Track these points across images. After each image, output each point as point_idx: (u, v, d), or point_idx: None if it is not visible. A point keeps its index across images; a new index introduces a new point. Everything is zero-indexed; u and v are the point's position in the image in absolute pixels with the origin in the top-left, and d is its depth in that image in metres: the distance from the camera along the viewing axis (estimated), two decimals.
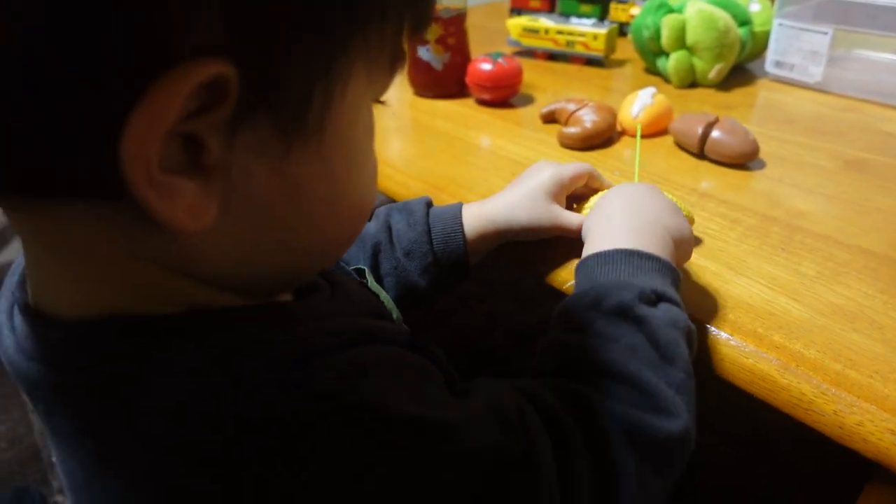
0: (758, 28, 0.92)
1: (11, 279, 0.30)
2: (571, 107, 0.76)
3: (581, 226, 0.52)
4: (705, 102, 0.86)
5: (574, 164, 0.57)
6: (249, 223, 0.27)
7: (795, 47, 0.88)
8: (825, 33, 0.84)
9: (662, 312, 0.39)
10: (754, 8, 0.93)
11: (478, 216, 0.54)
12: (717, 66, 0.88)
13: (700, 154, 0.69)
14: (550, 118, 0.80)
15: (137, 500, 0.25)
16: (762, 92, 0.91)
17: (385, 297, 0.47)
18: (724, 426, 1.09)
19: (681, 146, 0.72)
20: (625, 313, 0.38)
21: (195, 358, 0.25)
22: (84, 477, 0.26)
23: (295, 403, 0.25)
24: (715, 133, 0.68)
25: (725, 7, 0.87)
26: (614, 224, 0.45)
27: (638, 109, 0.74)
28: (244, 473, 0.24)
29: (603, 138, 0.74)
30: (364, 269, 0.48)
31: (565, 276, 0.53)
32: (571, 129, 0.73)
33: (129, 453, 0.25)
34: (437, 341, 0.36)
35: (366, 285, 0.45)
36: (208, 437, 0.24)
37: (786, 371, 0.42)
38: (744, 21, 0.90)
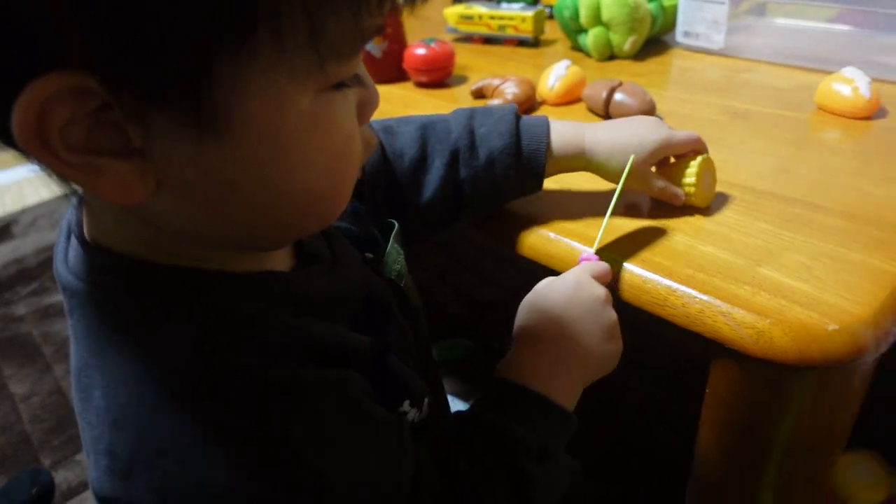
0: (667, 2, 1.01)
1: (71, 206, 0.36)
2: (496, 82, 0.85)
3: (659, 190, 0.56)
4: (622, 73, 0.96)
5: (686, 134, 0.57)
6: (189, 199, 0.30)
7: (700, 18, 0.97)
8: (722, 3, 0.93)
9: (544, 472, 0.42)
10: None
11: (571, 144, 0.55)
12: (631, 39, 0.97)
13: (606, 115, 0.78)
14: (479, 94, 0.89)
15: (106, 395, 0.31)
16: (674, 60, 1.00)
17: (400, 263, 0.49)
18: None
19: (591, 110, 0.81)
20: (510, 463, 0.41)
21: (179, 308, 0.32)
22: (80, 365, 0.33)
23: (230, 375, 0.31)
24: (617, 96, 0.77)
25: None
26: (537, 336, 0.47)
27: (553, 80, 0.83)
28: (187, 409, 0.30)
29: (523, 108, 0.83)
30: (394, 224, 0.50)
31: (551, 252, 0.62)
32: (494, 102, 0.82)
33: (110, 358, 0.32)
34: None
35: (368, 260, 0.48)
36: (175, 374, 0.31)
37: (647, 279, 0.51)
38: None
